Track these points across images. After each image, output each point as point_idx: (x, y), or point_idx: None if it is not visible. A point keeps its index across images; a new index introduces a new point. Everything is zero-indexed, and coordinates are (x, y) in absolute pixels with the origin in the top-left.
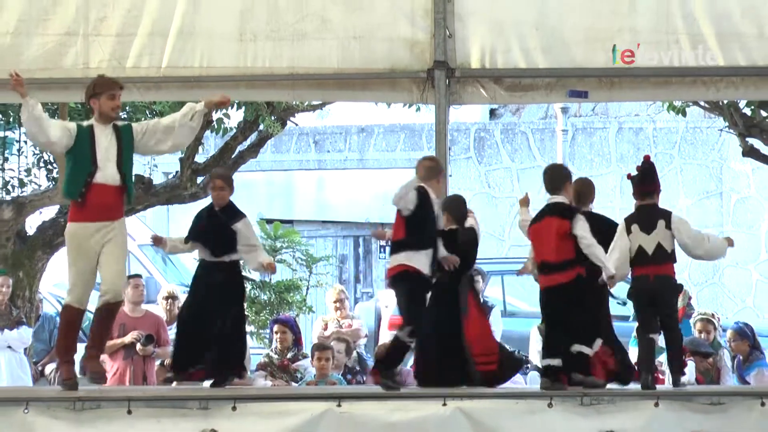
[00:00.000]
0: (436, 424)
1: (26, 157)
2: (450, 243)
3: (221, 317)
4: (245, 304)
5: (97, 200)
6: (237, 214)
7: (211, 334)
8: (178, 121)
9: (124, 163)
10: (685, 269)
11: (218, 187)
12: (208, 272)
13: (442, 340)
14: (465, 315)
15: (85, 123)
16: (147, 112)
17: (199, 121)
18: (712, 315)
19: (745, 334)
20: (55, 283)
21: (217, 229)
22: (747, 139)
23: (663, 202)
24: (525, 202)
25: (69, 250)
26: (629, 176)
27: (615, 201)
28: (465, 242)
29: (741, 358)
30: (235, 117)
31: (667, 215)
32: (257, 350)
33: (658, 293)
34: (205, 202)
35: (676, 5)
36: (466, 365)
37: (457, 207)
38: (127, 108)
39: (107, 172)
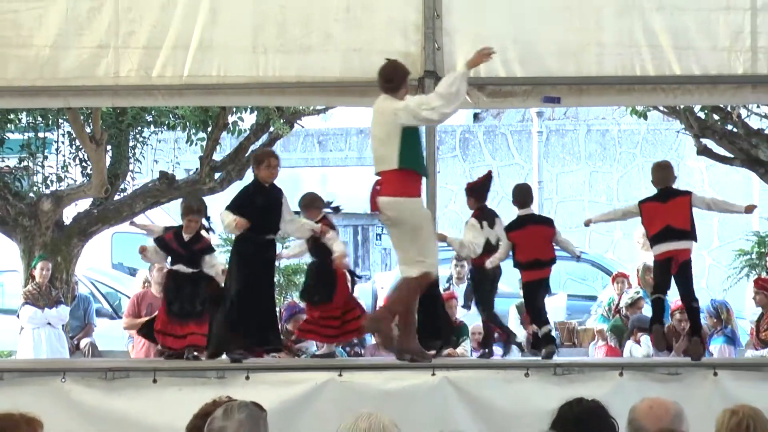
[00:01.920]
0: (425, 391)
1: (63, 155)
2: None
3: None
4: None
5: None
6: (280, 190)
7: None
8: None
9: None
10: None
11: (274, 165)
12: (265, 248)
13: None
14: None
15: None
16: (170, 116)
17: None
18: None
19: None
20: (90, 266)
21: (272, 205)
22: (701, 139)
23: (626, 196)
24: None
25: (424, 222)
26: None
27: (584, 195)
28: None
29: (713, 331)
30: (249, 120)
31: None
32: None
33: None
34: (220, 195)
35: (638, 21)
36: None
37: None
38: (153, 111)
39: None
